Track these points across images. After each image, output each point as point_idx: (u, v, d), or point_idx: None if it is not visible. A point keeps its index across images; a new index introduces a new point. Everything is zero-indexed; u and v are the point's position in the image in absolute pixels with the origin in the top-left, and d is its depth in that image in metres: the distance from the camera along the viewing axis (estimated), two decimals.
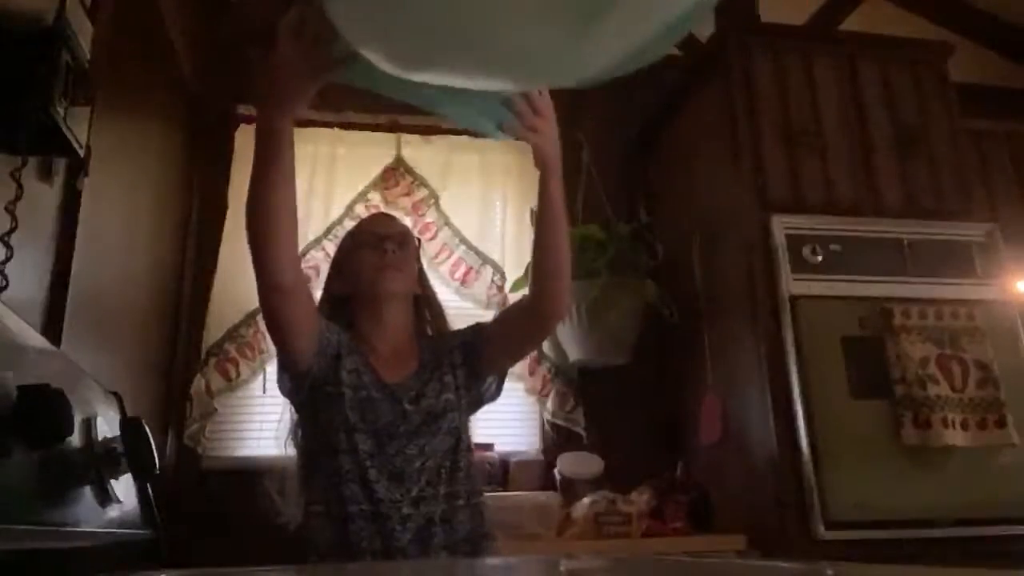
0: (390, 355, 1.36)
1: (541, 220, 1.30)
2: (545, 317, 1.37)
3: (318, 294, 1.48)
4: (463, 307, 2.50)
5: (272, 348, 1.55)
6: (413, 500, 1.24)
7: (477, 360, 1.38)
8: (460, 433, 1.33)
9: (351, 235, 1.46)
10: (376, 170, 2.63)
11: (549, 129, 1.22)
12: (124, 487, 1.15)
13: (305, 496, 1.29)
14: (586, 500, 2.13)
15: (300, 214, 2.42)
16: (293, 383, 1.28)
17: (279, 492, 1.40)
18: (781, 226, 2.11)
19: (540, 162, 1.26)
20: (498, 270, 2.59)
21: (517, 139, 1.20)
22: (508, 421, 2.50)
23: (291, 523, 1.32)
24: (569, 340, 2.44)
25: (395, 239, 1.39)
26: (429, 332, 1.47)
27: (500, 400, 1.44)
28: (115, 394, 1.32)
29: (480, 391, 1.40)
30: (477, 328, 1.44)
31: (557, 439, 2.50)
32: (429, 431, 1.29)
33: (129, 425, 1.17)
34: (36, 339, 1.03)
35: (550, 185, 1.28)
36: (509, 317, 1.50)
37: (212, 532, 2.12)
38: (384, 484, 1.23)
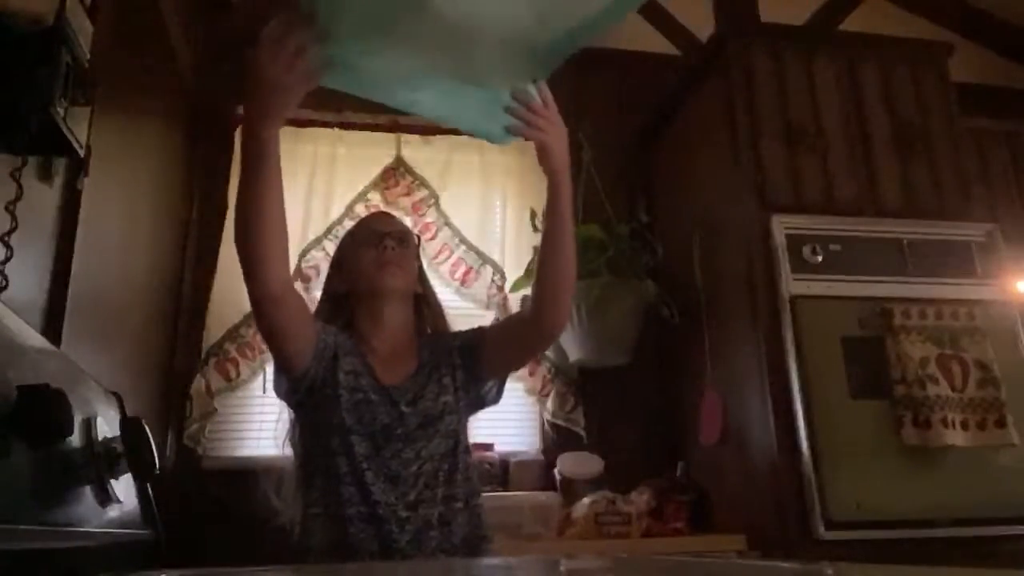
0: (389, 355, 1.35)
1: (549, 229, 1.27)
2: (546, 328, 1.35)
3: (318, 294, 1.48)
4: (463, 307, 2.50)
5: None
6: (411, 503, 1.23)
7: (476, 364, 1.37)
8: (458, 435, 1.32)
9: (351, 233, 1.46)
10: (376, 170, 2.63)
11: (557, 129, 1.19)
12: (124, 487, 1.15)
13: (304, 497, 1.28)
14: (586, 500, 2.13)
15: (300, 214, 2.48)
16: (291, 385, 1.27)
17: (277, 493, 1.40)
18: (781, 226, 2.11)
19: (549, 167, 1.21)
20: (498, 270, 2.59)
21: (526, 139, 1.16)
22: (508, 421, 2.50)
23: (290, 524, 1.31)
24: (569, 340, 2.44)
25: (395, 236, 1.39)
26: (429, 332, 1.47)
27: (500, 400, 1.43)
28: (115, 394, 1.32)
29: (480, 393, 1.39)
30: (478, 331, 1.43)
31: (557, 439, 2.50)
32: (426, 434, 1.28)
33: (129, 425, 1.17)
34: (36, 339, 1.03)
35: (559, 190, 1.24)
36: (510, 325, 1.50)
37: (212, 532, 2.12)
38: (381, 487, 1.23)
